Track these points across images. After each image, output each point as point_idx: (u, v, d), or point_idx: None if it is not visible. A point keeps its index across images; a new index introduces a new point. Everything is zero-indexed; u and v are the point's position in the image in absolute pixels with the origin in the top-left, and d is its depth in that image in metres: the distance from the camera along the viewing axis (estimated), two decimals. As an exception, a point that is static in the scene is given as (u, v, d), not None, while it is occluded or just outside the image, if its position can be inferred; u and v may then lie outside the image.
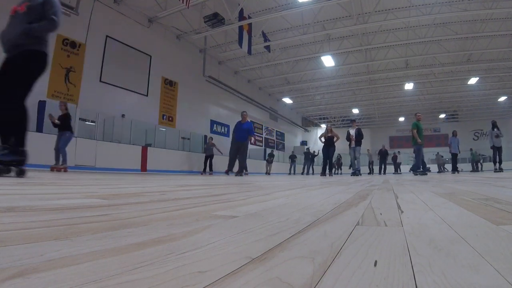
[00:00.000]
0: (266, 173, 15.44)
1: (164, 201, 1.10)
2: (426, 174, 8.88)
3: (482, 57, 15.38)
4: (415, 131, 8.60)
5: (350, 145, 9.47)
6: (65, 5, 8.20)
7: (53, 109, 7.90)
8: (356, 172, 9.20)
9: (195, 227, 0.59)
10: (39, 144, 7.08)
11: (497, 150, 9.76)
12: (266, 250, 0.42)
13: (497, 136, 9.73)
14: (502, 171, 9.30)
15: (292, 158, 17.75)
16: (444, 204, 1.04)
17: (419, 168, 8.71)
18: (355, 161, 9.31)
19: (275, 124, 22.04)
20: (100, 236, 0.49)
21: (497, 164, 9.69)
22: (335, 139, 9.46)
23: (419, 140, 8.50)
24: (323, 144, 9.59)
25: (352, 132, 9.42)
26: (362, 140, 10.26)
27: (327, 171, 9.37)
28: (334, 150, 9.44)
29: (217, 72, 14.72)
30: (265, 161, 16.37)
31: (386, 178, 5.43)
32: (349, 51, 14.80)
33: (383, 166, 15.70)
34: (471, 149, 18.38)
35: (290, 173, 17.20)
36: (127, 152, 9.50)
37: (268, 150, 19.47)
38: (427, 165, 13.01)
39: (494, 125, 10.01)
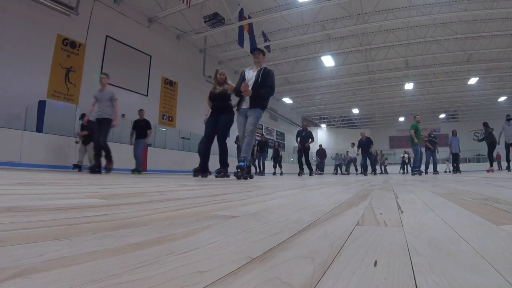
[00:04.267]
0: (133, 171, 7.55)
1: (164, 201, 1.10)
2: (421, 173, 8.90)
3: (482, 57, 15.39)
4: (413, 131, 8.90)
5: (238, 106, 4.51)
6: (65, 5, 8.20)
7: (53, 109, 7.92)
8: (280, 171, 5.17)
9: (195, 227, 0.59)
10: (39, 144, 7.10)
11: (509, 146, 9.10)
12: (266, 250, 0.42)
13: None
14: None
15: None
16: (444, 204, 1.04)
17: (418, 168, 8.86)
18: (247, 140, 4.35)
19: (275, 124, 22.04)
20: (100, 236, 0.49)
21: (511, 163, 9.05)
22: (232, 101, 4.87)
23: (416, 140, 8.84)
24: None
25: (252, 75, 4.40)
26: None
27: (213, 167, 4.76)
28: (229, 122, 4.75)
29: (217, 72, 14.73)
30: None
31: (386, 178, 5.43)
32: (349, 51, 14.81)
33: (368, 163, 11.80)
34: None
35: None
36: (127, 152, 9.49)
37: (269, 151, 19.29)
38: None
39: (510, 118, 9.10)
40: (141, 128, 7.86)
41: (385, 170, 17.87)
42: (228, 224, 0.64)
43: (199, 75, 13.65)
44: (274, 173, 12.03)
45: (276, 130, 22.29)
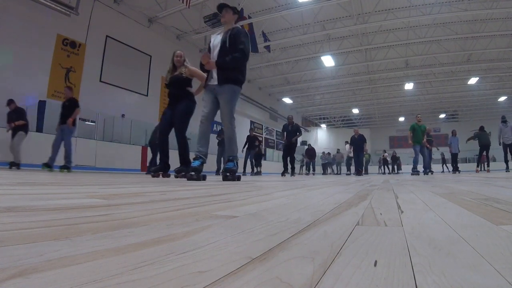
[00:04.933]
0: (62, 168, 6.11)
1: (164, 201, 1.10)
2: (419, 174, 8.86)
3: (482, 57, 15.40)
4: (409, 133, 9.11)
5: (206, 82, 3.57)
6: (65, 5, 8.21)
7: (53, 109, 7.92)
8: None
9: (195, 227, 0.59)
10: (39, 144, 7.09)
11: (507, 147, 9.29)
12: (266, 250, 0.42)
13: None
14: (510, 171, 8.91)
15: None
16: (444, 204, 1.04)
17: (415, 168, 8.87)
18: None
19: (275, 124, 22.05)
20: (100, 236, 0.49)
21: (509, 163, 9.25)
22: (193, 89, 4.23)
23: (409, 142, 9.09)
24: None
25: (218, 40, 3.43)
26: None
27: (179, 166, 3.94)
28: (186, 111, 4.14)
29: (217, 72, 14.71)
30: (263, 161, 14.92)
31: (386, 178, 5.43)
32: (349, 51, 14.82)
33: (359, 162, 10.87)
34: None
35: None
36: (127, 152, 9.51)
37: (269, 151, 19.06)
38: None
39: (505, 120, 9.41)
40: (66, 109, 6.08)
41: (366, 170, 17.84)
42: (228, 224, 0.64)
43: (199, 75, 13.64)
44: (258, 173, 11.46)
45: (276, 130, 22.29)
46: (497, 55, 15.10)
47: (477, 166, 10.82)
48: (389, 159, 19.02)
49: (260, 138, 19.94)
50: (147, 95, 11.44)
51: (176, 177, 3.87)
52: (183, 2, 9.12)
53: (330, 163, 19.01)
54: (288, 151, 8.71)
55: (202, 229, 0.58)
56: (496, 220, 0.67)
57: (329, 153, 19.57)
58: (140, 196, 1.22)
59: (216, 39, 3.45)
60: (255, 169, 11.28)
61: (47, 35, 8.28)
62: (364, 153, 11.27)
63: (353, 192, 1.65)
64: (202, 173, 3.32)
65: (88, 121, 9.25)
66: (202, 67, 3.50)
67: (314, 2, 10.48)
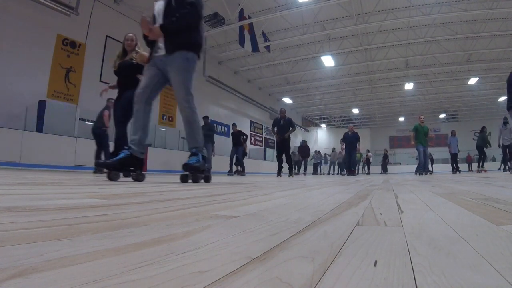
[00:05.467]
0: None
1: (164, 201, 1.10)
2: (429, 173, 9.03)
3: (482, 57, 15.39)
4: (412, 133, 9.27)
5: (150, 55, 3.00)
6: (65, 5, 8.20)
7: (53, 109, 7.92)
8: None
9: (195, 227, 0.59)
10: (39, 144, 7.09)
11: (506, 148, 9.44)
12: (266, 250, 0.42)
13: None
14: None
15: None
16: (444, 204, 1.04)
17: (420, 168, 8.95)
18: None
19: (275, 124, 22.04)
20: (100, 236, 0.49)
21: (509, 164, 9.41)
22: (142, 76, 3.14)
23: (411, 142, 9.27)
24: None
25: (161, 5, 2.77)
26: None
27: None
28: (131, 100, 2.78)
29: (217, 72, 14.72)
30: (263, 161, 14.93)
31: (386, 178, 5.43)
32: (349, 51, 14.81)
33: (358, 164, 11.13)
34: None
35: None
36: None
37: (269, 151, 18.94)
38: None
39: (506, 122, 9.48)
40: None
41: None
42: (228, 224, 0.64)
43: (199, 75, 13.65)
44: (237, 171, 10.49)
45: (276, 130, 22.30)
46: (497, 55, 15.09)
47: (477, 166, 10.96)
48: (372, 159, 19.06)
49: (258, 136, 19.87)
50: (147, 95, 11.44)
51: (94, 172, 3.20)
52: (183, 2, 9.12)
53: (321, 163, 18.87)
54: (282, 148, 7.84)
55: (202, 229, 0.58)
56: (496, 220, 0.67)
57: (319, 152, 19.39)
58: (140, 196, 1.22)
59: (159, 6, 2.75)
60: (234, 167, 10.33)
61: (47, 35, 8.27)
62: (357, 152, 10.87)
63: (353, 192, 1.65)
64: (136, 170, 2.65)
65: (88, 121, 9.25)
66: (145, 38, 2.79)
67: (314, 2, 10.47)
